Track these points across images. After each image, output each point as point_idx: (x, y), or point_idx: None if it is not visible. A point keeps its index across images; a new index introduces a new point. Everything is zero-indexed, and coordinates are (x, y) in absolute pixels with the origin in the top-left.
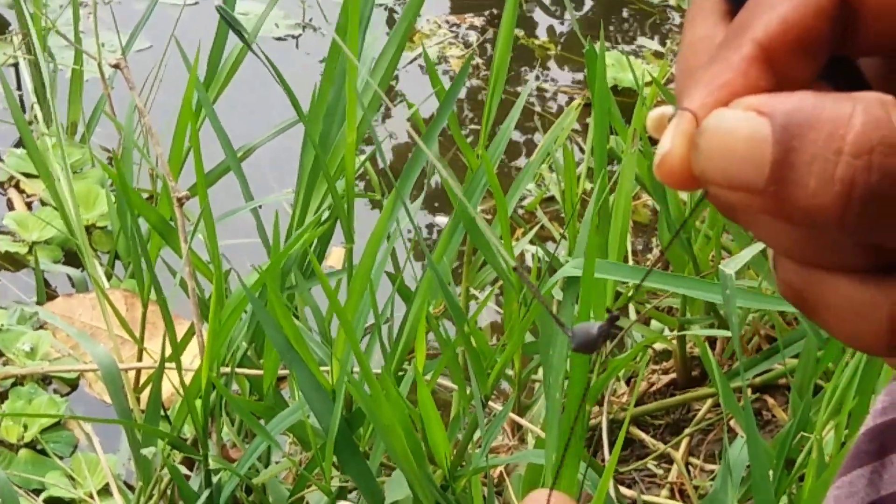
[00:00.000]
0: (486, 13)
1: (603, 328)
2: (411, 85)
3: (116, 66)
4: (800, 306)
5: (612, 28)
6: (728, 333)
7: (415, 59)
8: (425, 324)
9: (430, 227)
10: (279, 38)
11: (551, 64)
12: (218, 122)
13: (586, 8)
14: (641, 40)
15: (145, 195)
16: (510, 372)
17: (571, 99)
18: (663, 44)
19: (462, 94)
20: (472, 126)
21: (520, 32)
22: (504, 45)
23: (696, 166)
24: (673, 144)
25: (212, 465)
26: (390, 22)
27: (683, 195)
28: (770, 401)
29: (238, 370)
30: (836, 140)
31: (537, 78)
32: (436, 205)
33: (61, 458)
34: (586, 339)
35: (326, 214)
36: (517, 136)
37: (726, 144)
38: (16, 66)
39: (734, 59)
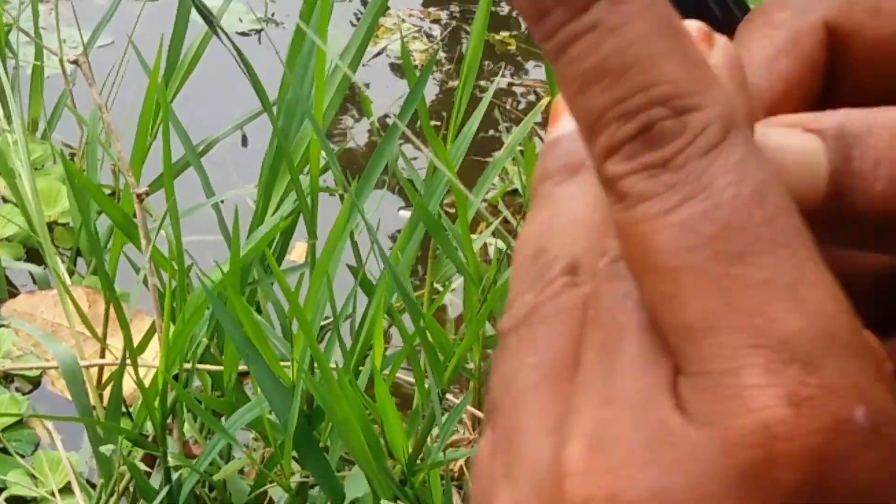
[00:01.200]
0: (449, 8)
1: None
2: (374, 79)
3: (75, 63)
4: None
5: None
6: None
7: (378, 53)
8: (387, 318)
9: (396, 220)
10: (242, 33)
11: (517, 58)
12: (176, 120)
13: None
14: None
15: (107, 191)
16: (470, 365)
17: (535, 93)
18: None
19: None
20: (436, 122)
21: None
22: (476, 40)
23: None
24: None
25: (171, 461)
26: (355, 17)
27: None
28: None
29: (199, 366)
30: None
31: (503, 74)
32: (404, 201)
33: (23, 456)
34: None
35: (290, 208)
36: (483, 129)
37: (776, 163)
38: None
39: None
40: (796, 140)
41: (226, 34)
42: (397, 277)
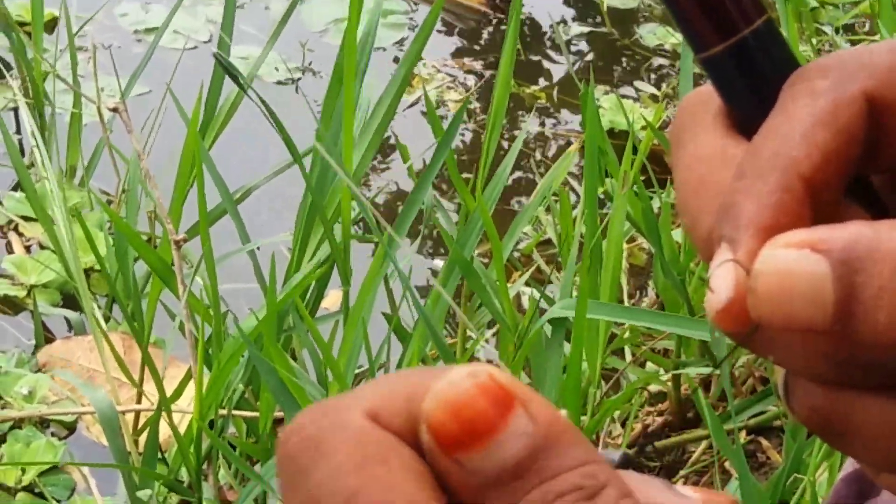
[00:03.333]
0: (485, 58)
1: (616, 462)
2: (410, 129)
3: (115, 110)
4: (825, 430)
5: (610, 72)
6: (716, 371)
7: (414, 103)
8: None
9: (430, 269)
10: (279, 82)
11: (549, 108)
12: (213, 168)
13: (584, 51)
14: (638, 84)
15: (143, 238)
16: None
17: (569, 143)
18: (658, 87)
19: (461, 139)
20: (470, 173)
21: (513, 81)
22: (502, 89)
23: (753, 311)
24: (729, 294)
25: None
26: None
27: (678, 237)
28: (764, 442)
29: (235, 412)
30: None
31: (541, 124)
32: (441, 250)
33: (59, 501)
34: None
35: (324, 256)
36: (515, 179)
37: (784, 287)
38: (15, 109)
39: (774, 196)
40: (804, 265)
41: (253, 89)
42: (433, 329)
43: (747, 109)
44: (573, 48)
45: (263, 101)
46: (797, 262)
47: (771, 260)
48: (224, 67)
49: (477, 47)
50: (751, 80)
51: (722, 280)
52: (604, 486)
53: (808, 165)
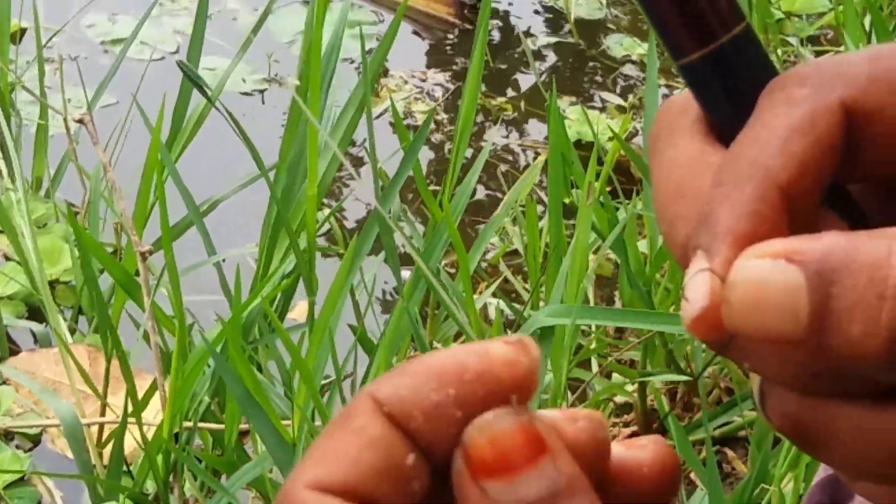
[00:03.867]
0: (453, 69)
1: None
2: (380, 138)
3: (80, 122)
4: (800, 438)
5: (578, 83)
6: (685, 378)
7: (382, 113)
8: None
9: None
10: (246, 94)
11: (516, 118)
12: (179, 179)
13: (550, 62)
14: (605, 95)
15: (109, 249)
16: None
17: (537, 154)
18: (625, 98)
19: (427, 150)
20: (436, 185)
21: (482, 90)
22: (470, 100)
23: (728, 321)
24: (704, 303)
25: None
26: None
27: (643, 248)
28: (730, 453)
29: (201, 424)
30: (877, 284)
31: (508, 135)
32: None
33: None
34: None
35: (291, 267)
36: (481, 193)
37: (759, 297)
38: None
39: (751, 205)
40: (779, 276)
41: (220, 102)
42: (414, 325)
43: (725, 116)
44: (540, 59)
45: (230, 113)
46: (772, 272)
47: (745, 270)
48: (190, 78)
49: (445, 58)
50: (728, 88)
51: (697, 289)
52: None
53: (785, 174)
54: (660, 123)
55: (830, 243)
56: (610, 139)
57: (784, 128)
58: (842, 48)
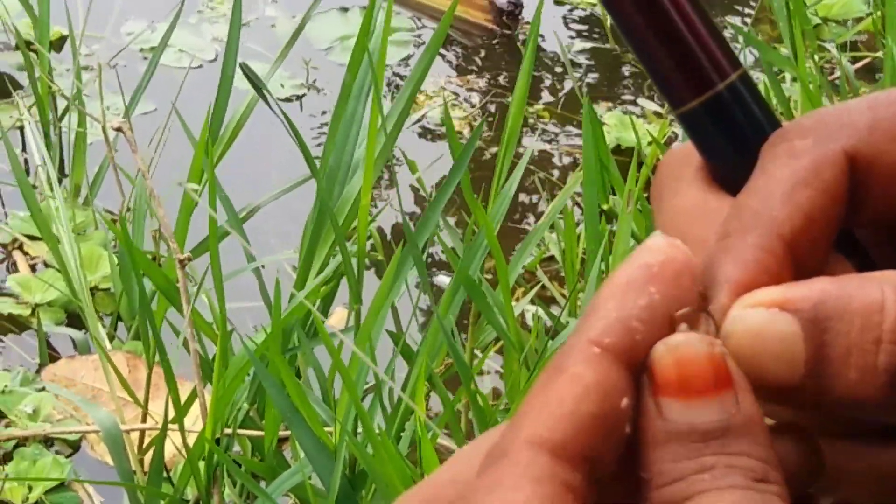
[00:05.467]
0: (489, 75)
1: None
2: (410, 147)
3: (119, 130)
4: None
5: (614, 89)
6: None
7: (418, 120)
8: (427, 384)
9: (434, 287)
10: (285, 99)
11: (554, 125)
12: (219, 187)
13: (586, 67)
14: (641, 100)
15: (148, 257)
16: None
17: (574, 159)
18: (662, 104)
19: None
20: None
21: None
22: (517, 109)
23: None
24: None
25: None
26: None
27: None
28: None
29: (240, 431)
30: (872, 329)
31: (546, 141)
32: (436, 268)
33: None
34: None
35: (329, 274)
36: (518, 196)
37: (755, 346)
38: (21, 128)
39: (753, 254)
40: (774, 325)
41: (263, 107)
42: (448, 336)
43: (726, 164)
44: (576, 65)
45: (284, 114)
46: (767, 321)
47: (740, 320)
48: (248, 76)
49: (482, 64)
50: (728, 135)
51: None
52: (773, 482)
53: (789, 225)
54: (662, 173)
55: (823, 290)
56: (649, 144)
57: (788, 179)
58: (880, 53)
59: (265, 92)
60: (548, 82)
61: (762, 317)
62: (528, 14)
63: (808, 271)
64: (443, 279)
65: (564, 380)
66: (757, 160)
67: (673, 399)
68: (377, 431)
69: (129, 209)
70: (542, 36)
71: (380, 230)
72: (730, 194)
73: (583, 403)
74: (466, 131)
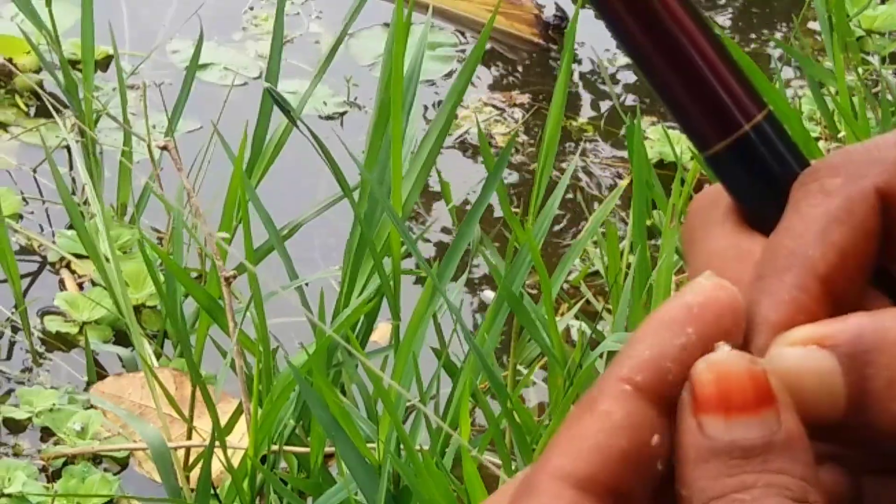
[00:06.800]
0: (533, 90)
1: None
2: (455, 162)
3: (164, 148)
4: None
5: (657, 103)
6: None
7: (461, 136)
8: (471, 400)
9: (476, 302)
10: (328, 117)
11: (595, 138)
12: (260, 204)
13: (629, 82)
14: None
15: (194, 275)
16: None
17: (618, 174)
18: None
19: (508, 170)
20: (516, 206)
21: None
22: (554, 124)
23: None
24: None
25: None
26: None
27: None
28: None
29: (286, 448)
30: None
31: (588, 156)
32: (479, 283)
33: None
34: None
35: (373, 291)
36: (559, 209)
37: (794, 384)
38: (67, 147)
39: (789, 294)
40: (813, 362)
41: (303, 123)
42: (484, 360)
43: (757, 205)
44: (619, 79)
45: (315, 136)
46: (805, 359)
47: (778, 359)
48: (276, 101)
49: (527, 79)
50: (756, 176)
51: None
52: (813, 503)
53: (823, 264)
54: (692, 216)
55: (859, 324)
56: (692, 159)
57: (821, 218)
58: None
59: (296, 116)
60: (591, 97)
61: (800, 354)
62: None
63: (845, 308)
64: (488, 294)
65: (593, 416)
66: (787, 200)
67: (713, 416)
68: (419, 450)
69: (173, 227)
70: (578, 48)
71: (427, 245)
72: (762, 235)
73: (611, 438)
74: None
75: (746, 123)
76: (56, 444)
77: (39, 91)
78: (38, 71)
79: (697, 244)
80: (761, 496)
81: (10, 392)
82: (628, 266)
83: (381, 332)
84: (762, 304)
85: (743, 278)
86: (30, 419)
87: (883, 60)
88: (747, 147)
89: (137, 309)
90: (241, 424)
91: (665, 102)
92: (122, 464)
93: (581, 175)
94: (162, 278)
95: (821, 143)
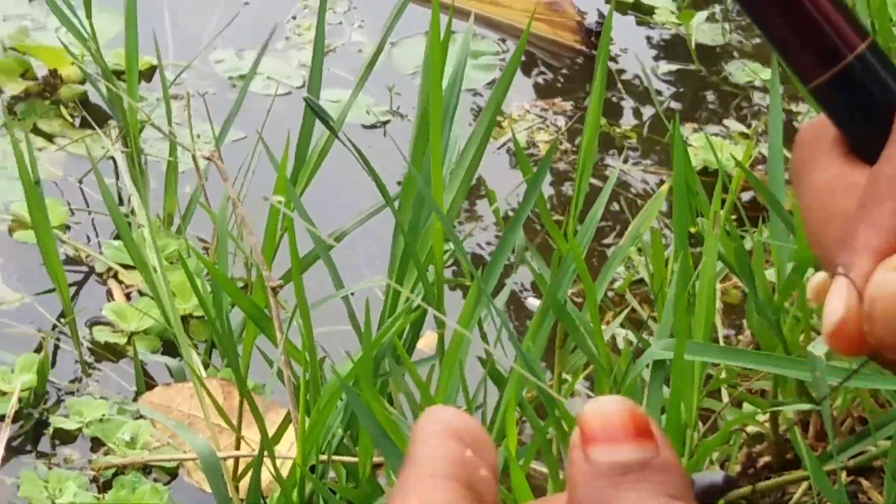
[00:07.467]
0: (576, 97)
1: (720, 483)
2: (500, 169)
3: (209, 159)
4: None
5: (700, 110)
6: (817, 407)
7: (504, 143)
8: (518, 409)
9: (521, 308)
10: (371, 126)
11: (638, 146)
12: (305, 213)
13: (672, 89)
14: (728, 121)
15: (240, 284)
16: None
17: (661, 180)
18: (749, 125)
19: (551, 178)
20: (560, 214)
21: (603, 120)
22: (591, 131)
23: (870, 335)
24: (844, 316)
25: None
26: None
27: (771, 277)
28: (865, 483)
29: (334, 457)
30: None
31: (631, 163)
32: (520, 291)
33: None
34: (710, 487)
35: (418, 300)
36: (604, 217)
37: None
38: (112, 158)
39: (890, 220)
40: None
41: (344, 134)
42: (532, 366)
43: (862, 134)
44: (661, 86)
45: (354, 145)
46: None
47: (884, 284)
48: (315, 111)
49: (569, 86)
50: (861, 105)
51: (833, 302)
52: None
53: None
54: (799, 150)
55: None
56: (735, 166)
57: None
58: None
59: (336, 126)
60: (632, 104)
61: None
62: (617, 35)
63: None
64: (532, 301)
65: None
66: (892, 128)
67: (598, 446)
68: None
69: (218, 237)
70: (621, 54)
71: (469, 253)
72: (868, 164)
73: None
74: (555, 155)
75: (850, 54)
76: (106, 454)
77: (83, 103)
78: (82, 82)
79: (805, 176)
80: (640, 494)
81: (59, 402)
82: (673, 274)
83: (428, 340)
84: (864, 230)
85: (849, 209)
86: (80, 430)
87: None
88: (851, 77)
89: (185, 319)
90: (290, 434)
91: (768, 37)
92: (172, 474)
93: (628, 180)
94: (208, 288)
95: None
